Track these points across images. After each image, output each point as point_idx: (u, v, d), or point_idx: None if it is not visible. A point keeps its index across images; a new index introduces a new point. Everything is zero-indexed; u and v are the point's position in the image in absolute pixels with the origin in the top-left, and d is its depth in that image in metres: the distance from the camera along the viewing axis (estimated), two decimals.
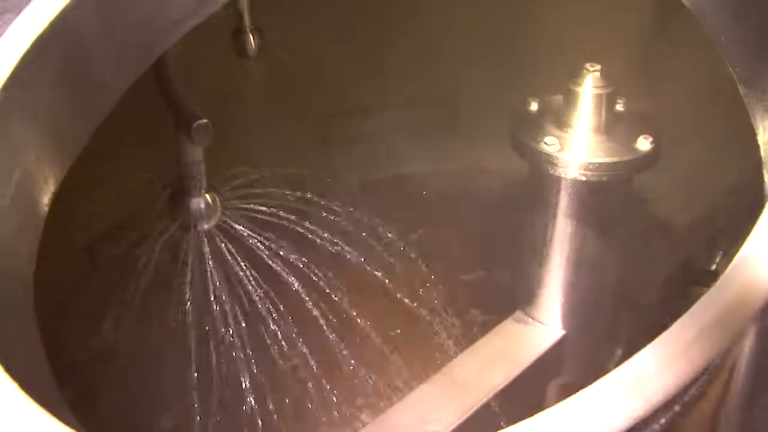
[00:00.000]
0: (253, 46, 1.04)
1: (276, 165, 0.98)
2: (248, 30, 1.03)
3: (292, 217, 0.84)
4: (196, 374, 0.79)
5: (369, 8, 1.18)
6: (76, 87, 0.51)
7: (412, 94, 1.29)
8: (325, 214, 0.93)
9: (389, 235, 1.11)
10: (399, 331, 1.02)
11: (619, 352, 1.18)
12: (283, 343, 0.82)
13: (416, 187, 1.38)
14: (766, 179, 0.45)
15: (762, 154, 0.52)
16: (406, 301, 1.01)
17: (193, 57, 0.90)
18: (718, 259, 1.46)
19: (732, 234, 1.46)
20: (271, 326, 0.80)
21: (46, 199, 0.56)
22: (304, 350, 0.83)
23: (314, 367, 0.84)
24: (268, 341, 0.81)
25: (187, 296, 0.75)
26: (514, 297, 1.07)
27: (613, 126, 0.91)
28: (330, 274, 0.87)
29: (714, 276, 1.44)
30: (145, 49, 0.56)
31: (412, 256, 1.10)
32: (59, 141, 0.53)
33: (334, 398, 0.88)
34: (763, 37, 0.52)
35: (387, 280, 0.97)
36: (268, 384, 0.83)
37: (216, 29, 0.98)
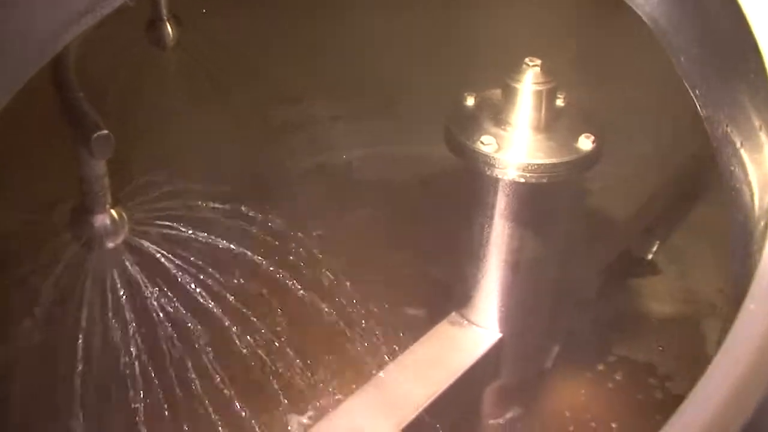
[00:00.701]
0: (171, 36, 0.96)
1: (196, 166, 0.92)
2: (165, 18, 0.95)
3: (207, 231, 0.78)
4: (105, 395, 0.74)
5: None
6: None
7: (345, 81, 1.23)
8: (244, 222, 0.87)
9: (315, 233, 1.06)
10: (329, 336, 0.97)
11: (556, 349, 1.15)
12: (199, 362, 0.76)
13: (350, 174, 1.33)
14: None
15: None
16: (336, 304, 0.96)
17: (104, 50, 0.83)
18: (654, 248, 1.45)
19: (668, 223, 1.45)
20: (186, 347, 0.74)
21: None
22: (221, 370, 0.77)
23: (231, 385, 0.78)
24: (182, 361, 0.75)
25: (93, 317, 0.69)
26: (451, 296, 1.02)
27: (553, 123, 0.87)
28: (254, 288, 0.82)
29: (651, 265, 1.43)
30: (21, 62, 0.49)
31: (342, 253, 1.05)
32: None
33: (256, 413, 0.83)
34: (727, 61, 0.47)
35: (314, 287, 0.91)
36: (183, 404, 0.78)
37: (127, 18, 0.91)
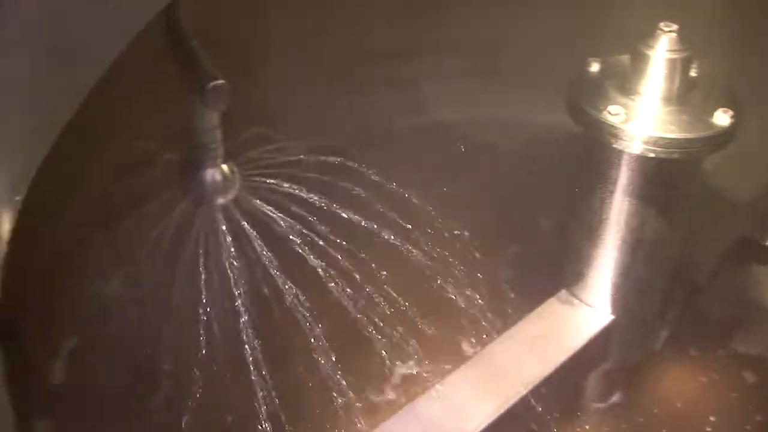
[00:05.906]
0: None
1: (299, 121, 0.89)
2: None
3: (315, 189, 0.74)
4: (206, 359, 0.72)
5: None
6: (54, 51, 0.40)
7: (449, 37, 1.18)
8: (353, 183, 0.83)
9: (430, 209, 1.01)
10: (437, 305, 0.92)
11: (665, 334, 1.09)
12: (305, 324, 0.73)
13: (455, 136, 1.29)
14: None
15: None
16: (446, 274, 0.91)
17: None
18: None
19: None
20: (290, 308, 0.71)
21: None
22: (320, 333, 0.74)
23: (331, 350, 0.76)
24: (286, 322, 0.73)
25: (201, 278, 0.66)
26: (562, 272, 0.97)
27: (686, 95, 0.80)
28: (362, 253, 0.78)
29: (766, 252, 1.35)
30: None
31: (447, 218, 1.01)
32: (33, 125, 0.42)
33: (352, 383, 0.80)
34: None
35: (423, 244, 0.87)
36: (279, 371, 0.75)
37: None
